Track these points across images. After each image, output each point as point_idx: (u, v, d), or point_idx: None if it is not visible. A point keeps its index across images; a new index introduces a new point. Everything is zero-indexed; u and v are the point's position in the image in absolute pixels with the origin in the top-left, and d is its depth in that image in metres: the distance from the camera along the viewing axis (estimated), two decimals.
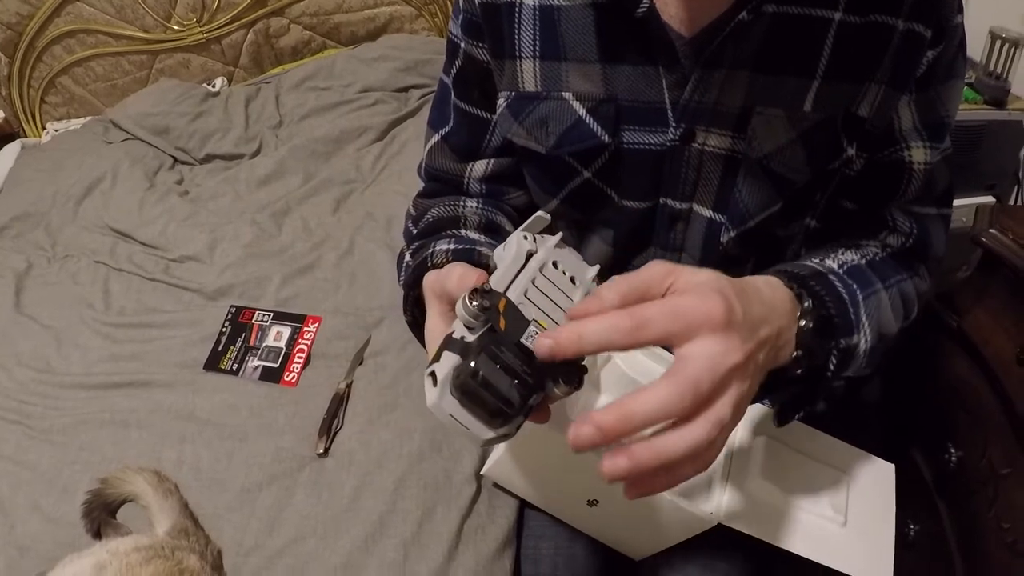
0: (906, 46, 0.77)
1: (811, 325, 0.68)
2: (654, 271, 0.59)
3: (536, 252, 0.63)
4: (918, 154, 0.84)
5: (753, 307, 0.60)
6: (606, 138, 0.84)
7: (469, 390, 0.52)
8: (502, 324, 0.53)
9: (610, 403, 0.52)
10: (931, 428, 1.34)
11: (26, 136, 2.38)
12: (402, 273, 0.96)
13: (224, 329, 1.42)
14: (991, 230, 1.20)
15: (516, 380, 0.52)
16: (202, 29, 2.29)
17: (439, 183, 1.00)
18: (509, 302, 0.55)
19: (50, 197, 1.91)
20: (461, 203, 0.96)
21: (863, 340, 0.77)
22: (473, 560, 1.04)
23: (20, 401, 1.36)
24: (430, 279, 0.72)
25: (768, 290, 0.66)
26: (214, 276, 1.56)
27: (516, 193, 0.99)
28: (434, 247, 0.85)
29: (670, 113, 0.82)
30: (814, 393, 0.76)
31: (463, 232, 0.91)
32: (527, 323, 0.55)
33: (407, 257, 0.94)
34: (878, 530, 0.88)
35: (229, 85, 2.37)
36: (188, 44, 2.32)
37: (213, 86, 2.32)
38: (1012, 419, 1.13)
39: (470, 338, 0.54)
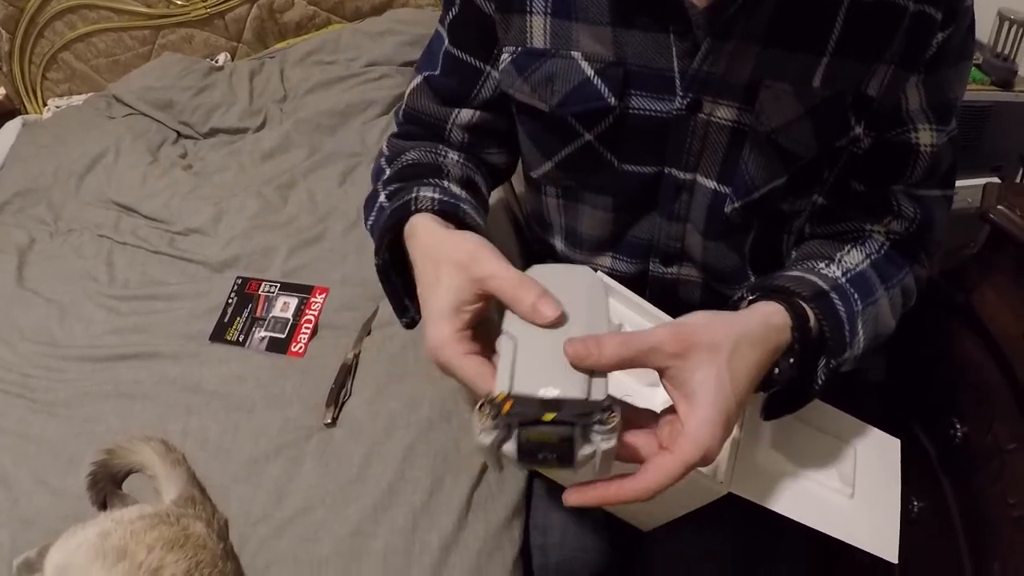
0: (916, 27, 0.77)
1: (792, 363, 0.74)
2: (664, 347, 0.61)
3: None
4: (925, 136, 0.84)
5: (750, 375, 0.66)
6: (612, 100, 0.84)
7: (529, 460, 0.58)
8: (507, 408, 0.56)
9: (599, 484, 0.62)
10: (936, 404, 1.34)
11: (27, 113, 2.36)
12: (373, 214, 0.89)
13: (230, 300, 1.42)
14: (999, 206, 1.19)
15: (557, 442, 0.57)
16: (205, 4, 2.27)
17: (418, 126, 0.98)
18: (513, 396, 0.57)
19: (52, 172, 1.90)
20: (442, 153, 0.95)
21: (856, 350, 0.80)
22: (483, 529, 1.04)
23: (24, 375, 1.35)
24: (448, 240, 0.72)
25: (770, 336, 0.70)
26: (219, 248, 1.56)
27: (496, 150, 0.99)
28: (417, 192, 0.81)
29: (678, 82, 0.82)
30: (800, 398, 0.79)
31: (446, 183, 0.88)
32: (536, 401, 0.57)
33: (381, 198, 0.88)
34: (884, 503, 0.88)
35: (232, 60, 2.35)
36: (191, 19, 2.29)
37: (216, 61, 2.30)
38: (1018, 395, 1.13)
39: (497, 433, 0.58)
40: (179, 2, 2.26)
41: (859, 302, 0.81)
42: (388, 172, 0.93)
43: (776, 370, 0.73)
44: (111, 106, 2.14)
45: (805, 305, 0.75)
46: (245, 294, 1.42)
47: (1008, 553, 1.12)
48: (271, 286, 1.43)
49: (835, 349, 0.76)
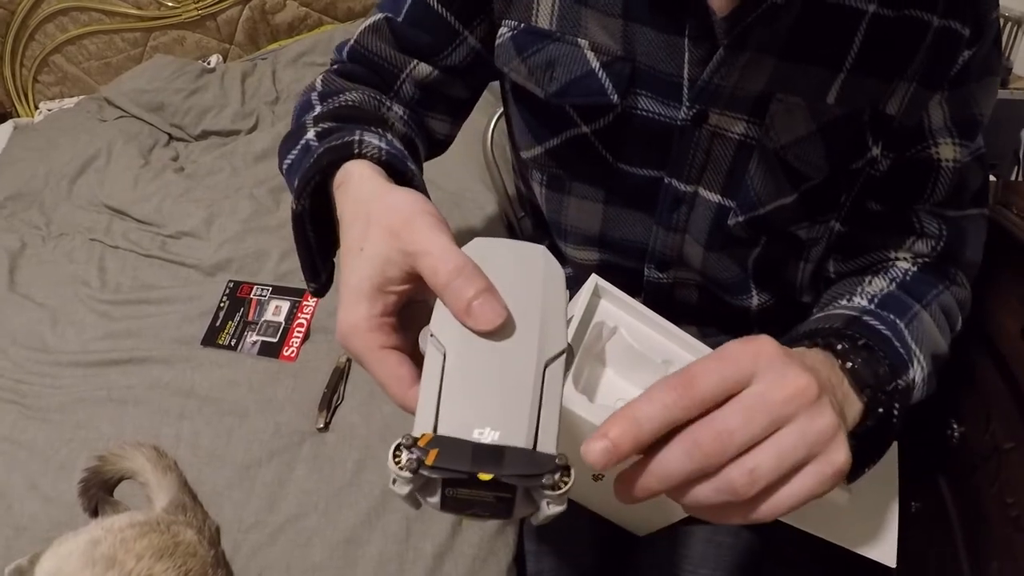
0: (941, 44, 0.73)
1: (859, 361, 0.63)
2: (710, 361, 0.51)
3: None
4: (947, 151, 0.79)
5: (803, 358, 0.56)
6: (615, 98, 0.80)
7: (456, 514, 0.47)
8: (431, 458, 0.42)
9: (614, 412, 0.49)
10: (933, 404, 1.33)
11: (19, 116, 2.35)
12: (294, 152, 0.75)
13: (222, 304, 1.41)
14: (996, 205, 1.19)
15: (493, 501, 0.45)
16: (197, 6, 2.27)
17: (367, 68, 0.87)
18: (439, 439, 0.44)
19: (43, 176, 1.90)
20: (386, 104, 0.86)
21: (919, 370, 0.73)
22: (477, 536, 1.04)
23: (16, 380, 1.35)
24: (387, 196, 0.57)
25: (807, 354, 0.62)
26: (211, 251, 1.55)
27: (442, 117, 0.92)
28: (361, 135, 0.67)
29: (686, 91, 0.78)
30: (882, 443, 0.69)
31: (389, 136, 0.73)
32: (468, 446, 0.44)
33: (309, 135, 0.73)
34: (882, 507, 0.87)
35: (224, 62, 2.34)
36: (183, 21, 2.29)
37: (208, 63, 2.29)
38: (1016, 394, 1.12)
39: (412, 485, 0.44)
40: (170, 4, 2.25)
41: (897, 320, 0.75)
42: (320, 109, 0.79)
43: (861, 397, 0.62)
44: (102, 109, 2.13)
45: (839, 335, 0.67)
46: (237, 298, 1.41)
47: (1006, 553, 1.12)
48: (263, 290, 1.43)
49: (896, 365, 0.68)
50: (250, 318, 1.37)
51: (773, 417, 0.48)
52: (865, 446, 0.65)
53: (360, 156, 0.64)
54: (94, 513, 1.10)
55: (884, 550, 0.84)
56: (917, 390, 0.74)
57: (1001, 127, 1.69)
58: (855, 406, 0.60)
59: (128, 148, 1.91)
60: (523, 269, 0.53)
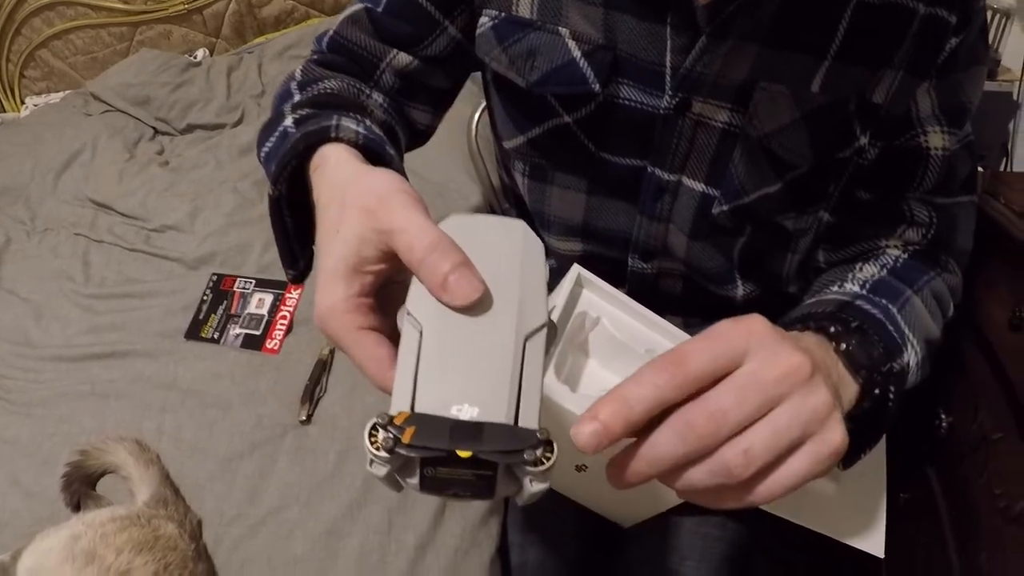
0: (928, 31, 0.73)
1: (853, 343, 0.62)
2: (696, 344, 0.49)
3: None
4: (935, 139, 0.79)
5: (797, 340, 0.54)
6: (597, 87, 0.79)
7: (437, 494, 0.45)
8: (408, 436, 0.41)
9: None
10: (921, 394, 1.33)
11: (5, 111, 2.34)
12: (272, 140, 0.74)
13: (205, 297, 1.41)
14: (984, 195, 1.18)
15: (473, 479, 0.43)
16: (183, 0, 2.25)
17: (347, 58, 0.86)
18: (417, 417, 0.42)
19: (29, 171, 1.89)
20: (366, 92, 0.85)
21: (913, 354, 0.73)
22: (459, 527, 1.04)
23: None
24: (363, 178, 0.56)
25: (800, 337, 0.61)
26: (195, 245, 1.55)
27: (423, 107, 0.91)
28: (338, 120, 0.66)
29: (668, 79, 0.78)
30: (878, 427, 0.68)
31: (368, 122, 0.72)
32: (447, 423, 0.42)
33: (287, 122, 0.72)
34: (870, 497, 0.87)
35: (211, 56, 2.33)
36: (169, 15, 2.28)
37: (195, 57, 2.28)
38: (1004, 383, 1.12)
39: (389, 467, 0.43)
40: None
41: (890, 304, 0.74)
42: (299, 97, 0.79)
43: (857, 379, 0.61)
44: (88, 103, 2.12)
45: (832, 318, 0.67)
46: (220, 291, 1.41)
47: (995, 543, 1.12)
48: (246, 282, 1.42)
49: (890, 348, 0.67)
50: (233, 311, 1.37)
51: (767, 396, 0.47)
52: (862, 429, 0.64)
53: (337, 140, 0.63)
54: (76, 508, 1.10)
55: (872, 540, 0.83)
56: (911, 374, 0.73)
57: (989, 119, 1.69)
58: (851, 388, 0.60)
59: (113, 142, 1.90)
60: (501, 244, 0.51)
